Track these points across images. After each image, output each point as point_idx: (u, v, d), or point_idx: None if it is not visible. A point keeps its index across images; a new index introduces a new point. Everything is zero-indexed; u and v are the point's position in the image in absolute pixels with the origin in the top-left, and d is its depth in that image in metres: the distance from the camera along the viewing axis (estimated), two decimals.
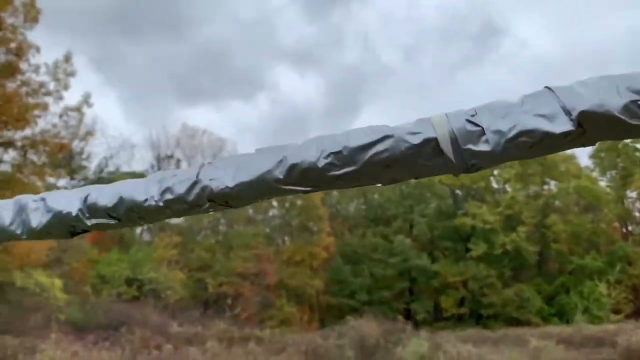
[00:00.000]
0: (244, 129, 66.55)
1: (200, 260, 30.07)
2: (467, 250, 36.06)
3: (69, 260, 24.07)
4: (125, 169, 35.06)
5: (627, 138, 0.61)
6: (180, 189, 0.75)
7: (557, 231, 34.62)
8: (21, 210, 0.84)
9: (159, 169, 38.17)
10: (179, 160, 38.61)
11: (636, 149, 38.64)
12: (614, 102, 0.54)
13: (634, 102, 0.54)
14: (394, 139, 0.64)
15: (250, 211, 35.48)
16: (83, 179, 31.24)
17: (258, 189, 0.72)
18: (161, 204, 0.76)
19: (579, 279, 33.37)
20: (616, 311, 29.11)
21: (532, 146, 0.58)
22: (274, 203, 36.41)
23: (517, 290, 33.40)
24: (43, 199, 0.83)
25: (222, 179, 0.73)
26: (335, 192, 39.90)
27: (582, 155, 41.17)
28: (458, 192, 39.48)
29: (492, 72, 67.59)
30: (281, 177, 0.69)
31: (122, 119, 58.90)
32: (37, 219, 0.83)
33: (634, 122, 0.54)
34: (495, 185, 39.26)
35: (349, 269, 35.36)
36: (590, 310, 29.04)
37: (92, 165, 32.68)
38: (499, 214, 35.14)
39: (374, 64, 70.00)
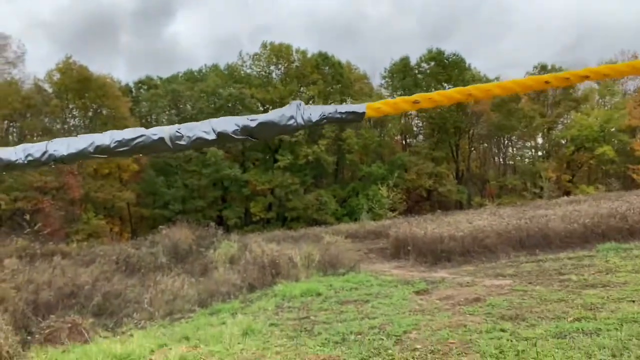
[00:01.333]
0: (36, 25, 56.50)
1: None
2: (275, 160, 38.70)
3: None
4: None
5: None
6: (37, 155, 1.41)
7: (351, 144, 39.27)
8: None
9: None
10: None
11: (420, 71, 44.66)
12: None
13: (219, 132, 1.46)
14: (145, 136, 1.46)
15: (47, 120, 31.97)
16: None
17: (80, 156, 1.44)
18: (25, 162, 1.41)
19: (366, 184, 38.87)
20: (393, 209, 34.80)
21: (202, 144, 1.46)
22: (75, 112, 33.23)
23: (317, 195, 37.54)
24: None
25: (61, 150, 1.43)
26: (145, 103, 37.99)
27: (376, 76, 46.15)
28: (268, 106, 41.06)
29: None
30: (92, 151, 1.43)
31: None
32: None
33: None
34: None
35: (162, 180, 35.13)
36: (374, 210, 34.33)
37: None
38: None
39: None
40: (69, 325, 7.24)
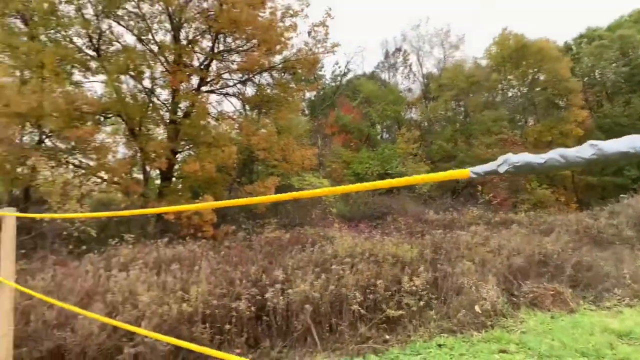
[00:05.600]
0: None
1: (443, 151, 30.43)
2: None
3: (328, 163, 27.18)
4: (358, 72, 37.04)
5: None
6: None
7: None
8: None
9: (388, 65, 38.96)
10: (406, 52, 38.68)
11: None
12: None
13: None
14: None
15: (486, 94, 33.84)
16: (322, 88, 33.92)
17: None
18: None
19: None
20: None
21: None
22: (513, 82, 33.71)
23: None
24: None
25: None
26: (587, 58, 34.56)
27: None
28: None
29: None
30: None
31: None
32: None
33: None
34: None
35: None
36: None
37: (327, 74, 35.12)
38: None
39: None
40: (552, 292, 6.96)
